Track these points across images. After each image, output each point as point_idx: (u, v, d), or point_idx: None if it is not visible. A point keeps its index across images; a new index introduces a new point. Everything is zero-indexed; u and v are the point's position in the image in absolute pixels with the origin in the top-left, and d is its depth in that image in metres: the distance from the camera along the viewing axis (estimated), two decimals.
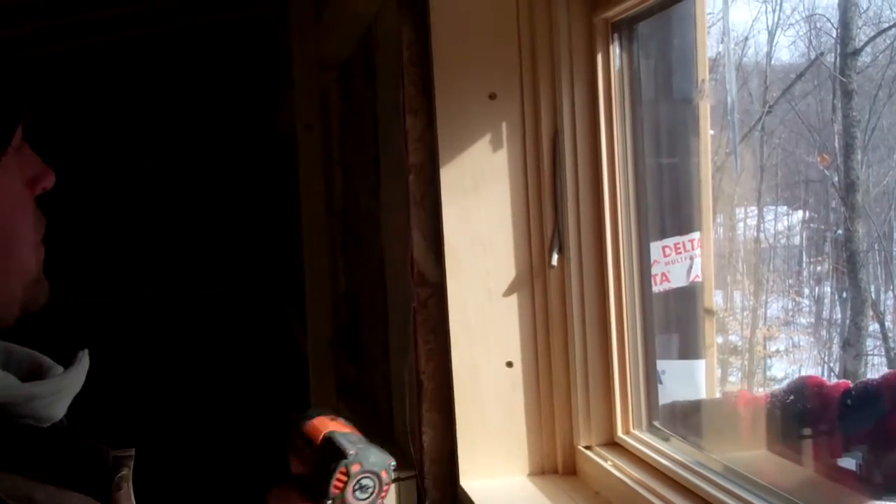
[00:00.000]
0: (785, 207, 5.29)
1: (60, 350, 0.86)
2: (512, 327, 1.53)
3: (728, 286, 4.51)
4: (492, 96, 1.51)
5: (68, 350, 0.85)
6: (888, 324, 3.81)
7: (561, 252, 1.52)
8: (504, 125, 1.52)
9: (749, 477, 1.23)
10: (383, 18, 1.86)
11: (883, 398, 1.44)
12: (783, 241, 5.40)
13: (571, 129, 1.50)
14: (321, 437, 1.10)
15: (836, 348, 4.45)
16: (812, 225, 5.17)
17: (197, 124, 5.29)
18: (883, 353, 3.69)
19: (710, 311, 1.71)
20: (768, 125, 4.52)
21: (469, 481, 1.52)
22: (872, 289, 3.84)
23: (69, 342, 0.90)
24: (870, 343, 3.55)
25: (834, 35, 3.72)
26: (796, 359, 4.98)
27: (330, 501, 1.06)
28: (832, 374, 4.25)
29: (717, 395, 1.86)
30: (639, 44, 1.50)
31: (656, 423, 1.50)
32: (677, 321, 1.69)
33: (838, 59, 3.48)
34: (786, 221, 5.32)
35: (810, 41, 4.55)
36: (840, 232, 3.99)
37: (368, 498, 1.06)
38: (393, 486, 1.64)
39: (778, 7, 4.87)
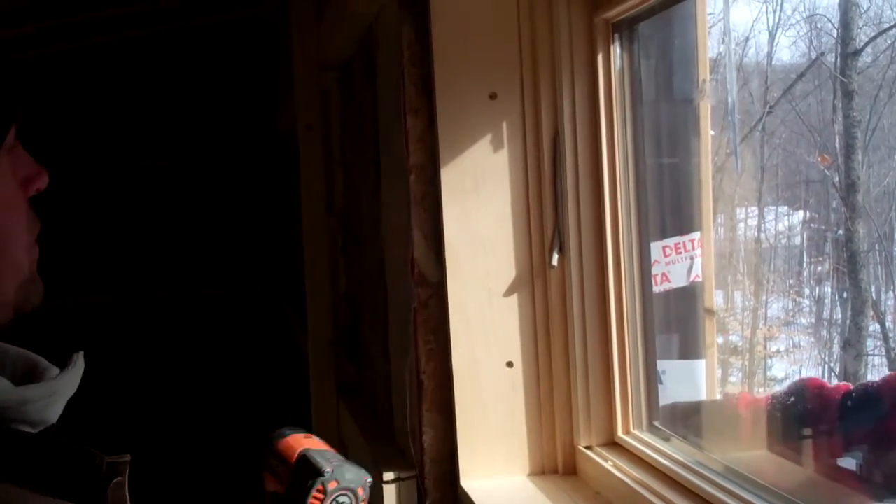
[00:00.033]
0: (786, 207, 5.29)
1: (60, 351, 0.86)
2: (512, 327, 1.53)
3: (728, 286, 4.51)
4: (492, 96, 1.51)
5: (68, 351, 0.84)
6: (889, 324, 3.81)
7: (561, 252, 1.52)
8: (505, 125, 1.52)
9: (749, 477, 1.23)
10: (384, 18, 1.86)
11: (883, 400, 1.44)
12: (784, 241, 5.40)
13: (572, 129, 1.50)
14: (296, 455, 1.10)
15: (836, 348, 4.45)
16: (813, 225, 5.16)
17: (197, 124, 5.29)
18: (883, 354, 3.69)
19: (710, 312, 1.71)
20: (769, 125, 4.52)
21: (469, 481, 1.52)
22: (873, 289, 3.84)
23: (69, 343, 0.90)
24: (870, 343, 3.55)
25: (834, 35, 3.71)
26: (797, 359, 4.97)
27: None
28: (832, 374, 4.25)
29: (718, 395, 1.86)
30: (639, 44, 1.50)
31: (657, 424, 1.50)
32: (678, 321, 1.69)
33: (839, 60, 3.48)
34: (786, 221, 5.31)
35: (811, 41, 4.55)
36: (841, 232, 3.99)
37: None
38: (393, 486, 1.65)
39: (779, 7, 4.87)
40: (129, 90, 5.12)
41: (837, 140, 3.78)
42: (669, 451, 1.39)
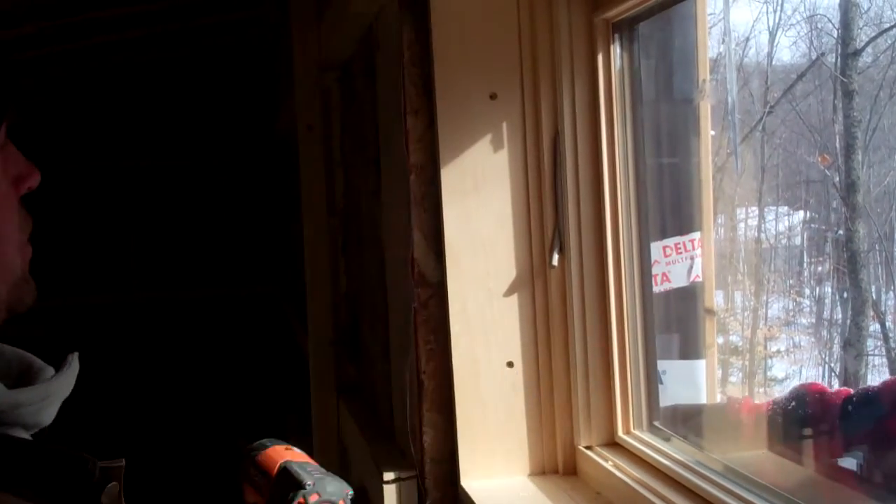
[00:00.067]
0: (786, 208, 5.29)
1: (59, 351, 0.85)
2: (512, 327, 1.53)
3: (729, 286, 4.51)
4: (492, 96, 1.51)
5: (67, 350, 0.83)
6: (889, 324, 3.81)
7: (561, 252, 1.52)
8: (505, 125, 1.52)
9: (750, 477, 1.23)
10: (384, 18, 1.87)
11: (883, 404, 1.44)
12: (784, 241, 5.40)
13: (572, 130, 1.50)
14: (277, 467, 1.10)
15: (836, 348, 4.45)
16: (813, 225, 5.17)
17: (198, 125, 5.29)
18: (884, 354, 3.69)
19: (710, 312, 1.71)
20: (769, 125, 4.52)
21: (470, 481, 1.52)
22: (873, 289, 3.84)
23: (68, 342, 0.90)
24: (870, 343, 3.55)
25: (835, 35, 3.71)
26: (797, 359, 4.98)
27: None
28: (833, 374, 4.25)
29: (718, 395, 1.86)
30: (639, 44, 1.50)
31: (657, 424, 1.50)
32: (678, 321, 1.69)
33: (839, 60, 3.48)
34: (787, 222, 5.32)
35: (811, 41, 4.55)
36: (841, 232, 3.99)
37: None
38: (394, 486, 1.65)
39: (779, 7, 4.87)
40: (129, 90, 5.12)
41: (837, 140, 3.78)
42: (670, 451, 1.39)
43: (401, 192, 1.64)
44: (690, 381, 1.67)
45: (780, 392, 4.97)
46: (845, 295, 4.22)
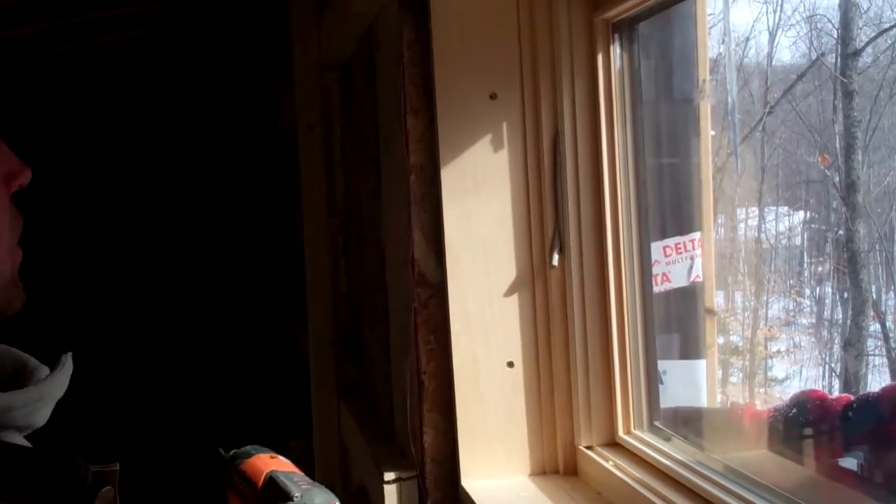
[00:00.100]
0: (786, 208, 5.29)
1: (58, 351, 0.84)
2: (513, 327, 1.53)
3: (729, 286, 4.51)
4: (492, 97, 1.51)
5: (65, 350, 0.82)
6: (889, 324, 3.81)
7: (562, 252, 1.52)
8: (505, 125, 1.52)
9: (750, 477, 1.23)
10: (384, 18, 1.86)
11: (883, 410, 1.44)
12: (784, 241, 5.40)
13: (572, 130, 1.50)
14: (263, 476, 1.09)
15: (837, 349, 4.45)
16: (813, 225, 5.17)
17: (198, 125, 5.29)
18: (884, 354, 3.69)
19: (711, 312, 1.71)
20: (769, 126, 4.52)
21: (470, 481, 1.52)
22: (873, 289, 3.84)
23: (67, 342, 0.89)
24: (871, 343, 3.55)
25: (835, 35, 3.71)
26: (797, 359, 4.98)
27: None
28: (833, 374, 4.25)
29: (719, 395, 1.86)
30: (639, 44, 1.50)
31: (657, 423, 1.50)
32: (678, 321, 1.69)
33: (839, 60, 3.48)
34: (787, 222, 5.32)
35: (811, 42, 4.55)
36: (841, 232, 3.99)
37: None
38: (394, 486, 1.65)
39: (779, 8, 4.87)
40: (129, 90, 5.12)
41: (837, 140, 3.78)
42: (670, 451, 1.39)
43: (401, 192, 1.64)
44: (691, 381, 1.67)
45: (780, 392, 4.97)
46: (845, 295, 4.22)
